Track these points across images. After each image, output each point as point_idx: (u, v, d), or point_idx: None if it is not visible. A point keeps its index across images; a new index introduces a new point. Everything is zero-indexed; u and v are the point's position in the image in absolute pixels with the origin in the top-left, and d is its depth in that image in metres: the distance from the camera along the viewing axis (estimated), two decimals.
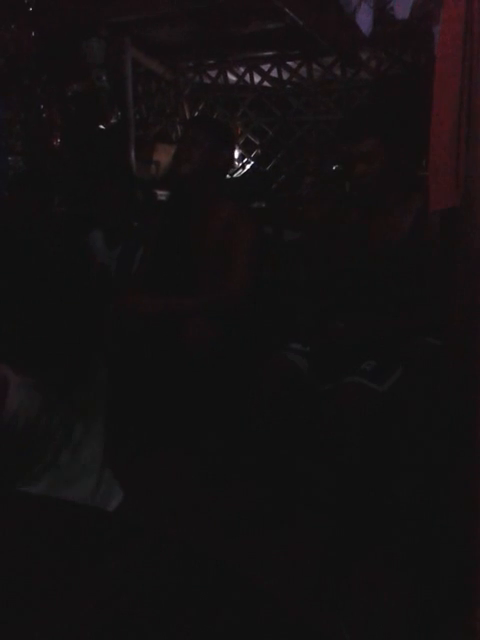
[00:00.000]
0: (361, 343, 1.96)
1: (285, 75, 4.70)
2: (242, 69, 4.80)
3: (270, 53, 4.61)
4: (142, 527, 1.03)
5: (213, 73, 4.89)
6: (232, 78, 4.86)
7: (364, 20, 2.92)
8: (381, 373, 1.88)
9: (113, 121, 4.12)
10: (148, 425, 2.34)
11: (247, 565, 1.43)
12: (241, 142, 4.90)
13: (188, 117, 4.93)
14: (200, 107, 4.99)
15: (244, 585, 0.91)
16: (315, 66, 4.55)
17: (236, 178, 4.74)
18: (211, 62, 4.82)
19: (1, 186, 3.80)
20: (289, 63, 4.64)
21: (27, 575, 1.06)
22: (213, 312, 2.25)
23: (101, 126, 4.08)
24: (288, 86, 4.77)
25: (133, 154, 4.15)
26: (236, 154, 4.70)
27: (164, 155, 4.58)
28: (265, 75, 4.74)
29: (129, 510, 1.64)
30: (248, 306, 2.33)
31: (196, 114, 4.93)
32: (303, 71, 4.60)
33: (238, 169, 4.89)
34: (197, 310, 2.26)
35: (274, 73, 4.72)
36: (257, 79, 4.80)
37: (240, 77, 4.82)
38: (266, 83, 4.81)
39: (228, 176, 4.77)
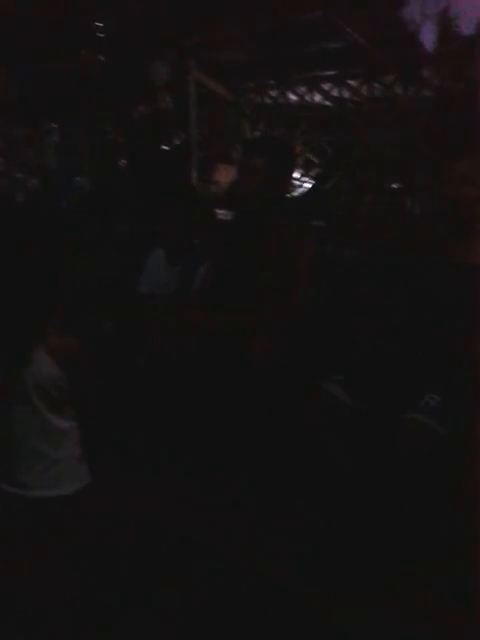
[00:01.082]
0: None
1: (346, 94, 4.69)
2: (303, 89, 4.83)
3: (331, 72, 4.63)
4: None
5: (274, 93, 4.94)
6: (293, 98, 4.89)
7: (428, 37, 2.90)
8: (445, 411, 1.76)
9: (176, 142, 4.21)
10: (207, 440, 2.34)
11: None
12: (301, 161, 4.90)
13: (249, 137, 4.97)
14: (261, 127, 5.03)
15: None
16: (376, 85, 4.53)
17: (295, 197, 4.74)
18: (272, 82, 4.87)
19: (68, 206, 3.94)
20: (350, 82, 4.63)
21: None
22: (274, 329, 2.25)
23: (164, 147, 4.17)
24: (349, 105, 4.76)
25: (195, 174, 4.22)
26: (295, 173, 4.70)
27: (225, 175, 4.64)
28: (326, 94, 4.74)
29: (187, 526, 1.65)
30: (307, 324, 2.32)
31: (256, 134, 4.97)
32: (364, 90, 4.59)
33: (297, 188, 4.89)
34: (259, 327, 2.27)
35: (335, 92, 4.72)
36: (318, 98, 4.81)
37: (301, 97, 4.84)
38: (327, 102, 4.81)
39: (287, 195, 4.79)
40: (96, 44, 3.93)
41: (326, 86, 4.74)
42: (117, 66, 4.01)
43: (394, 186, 4.33)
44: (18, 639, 1.17)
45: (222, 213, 4.02)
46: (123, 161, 4.13)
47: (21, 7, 3.42)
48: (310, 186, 4.90)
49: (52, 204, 3.97)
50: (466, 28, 3.54)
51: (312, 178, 4.92)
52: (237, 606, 1.43)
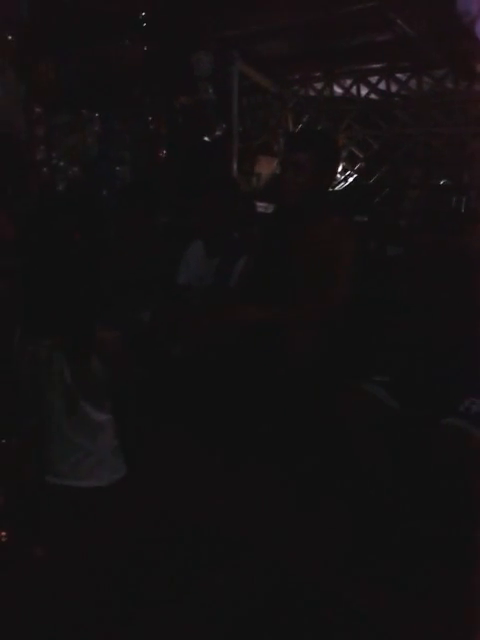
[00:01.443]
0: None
1: (393, 87, 4.59)
2: (349, 82, 4.74)
3: (378, 65, 4.53)
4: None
5: (319, 86, 4.86)
6: (338, 91, 4.80)
7: None
8: None
9: (217, 133, 4.16)
10: (242, 435, 2.30)
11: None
12: (344, 155, 4.82)
13: (292, 130, 4.91)
14: (304, 120, 4.96)
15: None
16: (425, 78, 4.41)
17: (338, 191, 4.66)
18: (317, 75, 4.79)
19: (108, 195, 3.93)
20: (398, 75, 4.53)
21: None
22: (312, 325, 2.20)
23: (206, 138, 4.13)
24: (396, 99, 4.65)
25: (235, 166, 4.18)
26: (339, 167, 4.63)
27: (266, 167, 4.58)
28: (372, 87, 4.65)
29: (230, 525, 1.61)
30: (347, 321, 2.25)
31: (299, 127, 4.90)
32: (412, 83, 4.48)
33: (340, 182, 4.81)
34: (297, 322, 2.21)
35: (382, 85, 4.62)
36: (364, 91, 4.72)
37: (346, 90, 4.76)
38: (373, 96, 4.71)
39: (330, 189, 4.71)
40: (140, 34, 3.90)
41: (373, 79, 4.65)
42: (161, 56, 3.98)
43: (441, 183, 4.22)
44: (48, 630, 1.14)
45: (262, 205, 3.97)
46: (164, 151, 4.10)
47: None
48: (353, 181, 4.82)
49: (93, 193, 3.96)
50: None
51: (356, 173, 4.84)
52: (274, 604, 1.39)
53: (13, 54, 3.27)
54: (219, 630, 1.26)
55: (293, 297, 2.37)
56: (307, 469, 2.19)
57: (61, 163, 3.87)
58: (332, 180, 2.54)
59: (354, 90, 4.74)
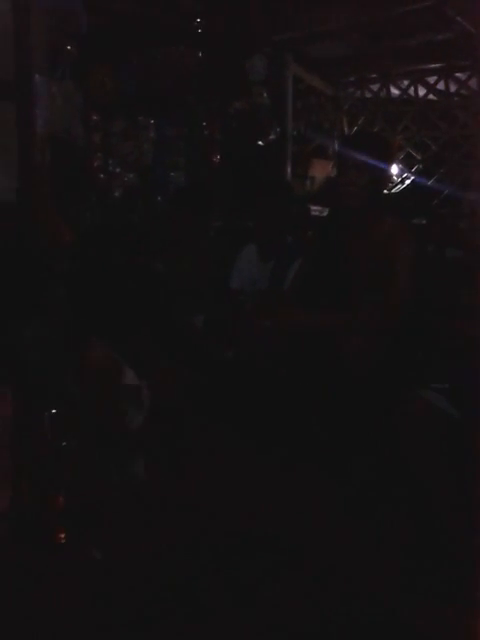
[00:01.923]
0: None
1: (452, 87, 4.47)
2: (406, 82, 4.64)
3: (437, 65, 4.42)
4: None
5: (375, 87, 4.78)
6: (395, 91, 4.71)
7: None
8: None
9: (271, 137, 4.14)
10: (294, 441, 2.27)
11: None
12: (402, 156, 4.72)
13: (347, 132, 4.85)
14: (359, 122, 4.89)
15: None
16: None
17: (395, 193, 4.57)
18: (373, 76, 4.72)
19: (163, 201, 3.96)
20: (457, 75, 4.41)
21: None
22: (369, 330, 2.14)
23: (260, 142, 4.11)
24: (455, 99, 4.53)
25: (289, 169, 4.14)
26: (396, 169, 4.54)
27: (320, 170, 4.53)
28: (431, 88, 4.54)
29: (285, 533, 1.57)
30: (405, 326, 2.19)
31: (354, 129, 4.83)
32: (473, 82, 4.35)
33: (397, 184, 4.71)
34: (353, 327, 2.16)
35: (440, 85, 4.51)
36: (422, 92, 4.62)
37: (403, 90, 4.66)
38: (431, 96, 4.60)
39: (386, 191, 4.62)
40: (195, 40, 3.92)
41: (431, 79, 4.54)
42: (215, 61, 4.00)
43: None
44: (106, 631, 1.13)
45: (316, 209, 3.92)
46: (218, 156, 4.11)
47: (121, 3, 3.46)
48: (411, 183, 4.72)
49: (148, 200, 4.00)
50: None
51: (413, 174, 4.73)
52: (332, 618, 1.35)
53: (72, 63, 3.34)
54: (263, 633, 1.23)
55: (348, 301, 2.33)
56: (363, 477, 2.13)
57: (117, 169, 3.93)
58: (387, 182, 2.49)
59: (411, 91, 4.64)
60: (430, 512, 1.81)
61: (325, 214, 3.94)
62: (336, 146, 4.77)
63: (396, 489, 1.97)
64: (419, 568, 1.70)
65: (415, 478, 1.84)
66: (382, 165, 2.34)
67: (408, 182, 4.74)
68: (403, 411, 1.87)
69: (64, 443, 1.07)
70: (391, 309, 2.21)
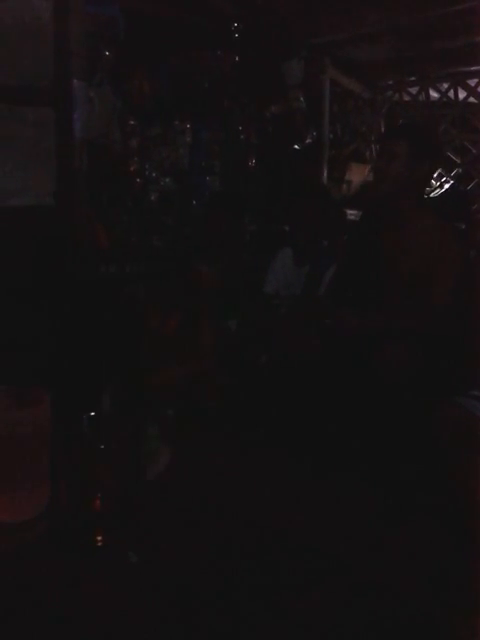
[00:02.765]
0: None
1: None
2: (445, 85, 4.57)
3: (478, 67, 4.34)
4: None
5: (414, 90, 4.72)
6: (434, 95, 4.64)
7: None
8: None
9: (308, 141, 4.11)
10: (327, 448, 2.23)
11: None
12: (441, 160, 4.65)
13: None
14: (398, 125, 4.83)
15: None
16: None
17: (434, 197, 4.50)
18: (412, 79, 4.66)
19: (198, 205, 3.96)
20: None
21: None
22: (411, 335, 2.09)
23: (296, 146, 4.09)
24: None
25: (326, 173, 4.11)
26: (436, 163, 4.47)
27: (357, 174, 4.48)
28: (471, 90, 4.46)
29: (322, 540, 1.54)
30: (448, 334, 2.12)
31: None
32: None
33: (436, 188, 4.64)
34: (395, 332, 2.11)
35: None
36: (462, 95, 4.54)
37: (443, 93, 4.59)
38: (472, 99, 4.52)
39: (425, 196, 4.55)
40: (232, 44, 3.92)
41: (472, 82, 4.46)
42: (252, 66, 3.99)
43: None
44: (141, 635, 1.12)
45: (352, 213, 3.88)
46: (253, 160, 4.10)
47: (158, 7, 3.48)
48: (450, 187, 4.64)
49: (184, 204, 4.01)
50: None
51: (452, 179, 4.65)
52: (374, 629, 1.32)
53: (110, 69, 3.37)
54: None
55: (387, 305, 2.27)
56: (399, 485, 2.09)
57: (153, 174, 3.94)
58: (428, 177, 2.42)
59: (451, 93, 4.57)
60: (467, 520, 1.76)
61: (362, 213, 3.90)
62: (373, 150, 4.73)
63: (433, 497, 1.93)
64: (458, 577, 1.65)
65: (451, 485, 1.80)
66: (421, 155, 2.28)
67: (447, 186, 4.66)
68: (439, 418, 1.83)
69: (102, 445, 1.07)
70: (434, 313, 2.14)
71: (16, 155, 2.61)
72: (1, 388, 1.19)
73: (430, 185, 4.42)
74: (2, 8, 2.53)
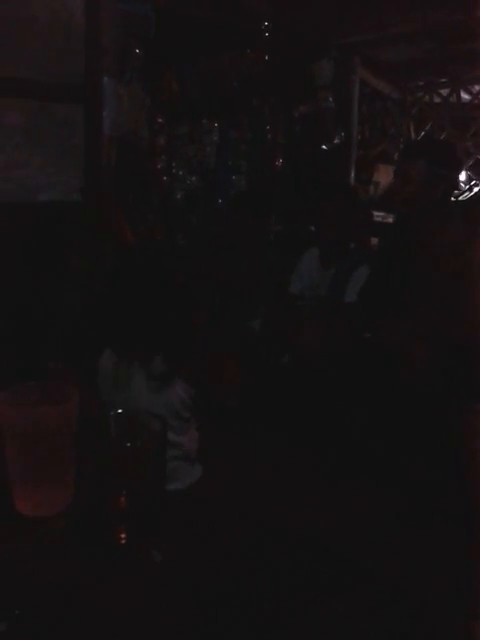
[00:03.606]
0: None
1: None
2: (477, 87, 4.51)
3: None
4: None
5: (444, 91, 4.66)
6: (465, 97, 4.58)
7: None
8: None
9: (336, 141, 4.09)
10: (348, 450, 2.22)
11: None
12: (470, 163, 4.58)
13: (413, 137, 4.74)
14: (427, 127, 4.77)
15: None
16: None
17: (462, 201, 4.44)
18: (443, 80, 4.60)
19: (225, 204, 3.96)
20: None
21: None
22: (441, 341, 2.06)
23: (324, 146, 4.07)
24: None
25: (353, 174, 4.08)
26: (463, 176, 4.41)
27: (384, 176, 4.44)
28: None
29: (343, 546, 1.53)
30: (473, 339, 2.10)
31: (422, 135, 4.72)
32: None
33: (465, 192, 4.58)
34: (421, 338, 2.09)
35: None
36: None
37: (474, 95, 4.53)
38: None
39: (453, 199, 4.50)
40: (262, 43, 3.91)
41: None
42: (281, 65, 3.98)
43: None
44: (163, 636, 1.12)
45: (379, 215, 3.85)
46: (280, 160, 4.09)
47: (189, 6, 3.48)
48: (478, 190, 4.58)
49: (209, 202, 4.02)
50: None
51: None
52: (381, 627, 1.30)
53: (140, 66, 3.38)
54: None
55: (419, 310, 2.24)
56: (421, 490, 2.07)
57: (180, 172, 3.95)
58: (453, 185, 2.41)
59: None
60: None
61: (388, 220, 3.86)
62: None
63: (453, 502, 1.90)
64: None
65: (471, 489, 1.78)
66: (440, 171, 2.26)
67: (477, 189, 4.60)
68: (460, 423, 1.81)
69: (128, 444, 1.07)
70: (466, 319, 2.11)
71: (45, 151, 2.62)
72: (31, 384, 1.19)
73: (459, 188, 4.36)
74: (36, 5, 2.55)
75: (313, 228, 3.00)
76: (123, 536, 1.13)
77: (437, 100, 4.72)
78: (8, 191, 2.49)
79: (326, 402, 2.36)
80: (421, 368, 2.00)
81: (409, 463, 2.12)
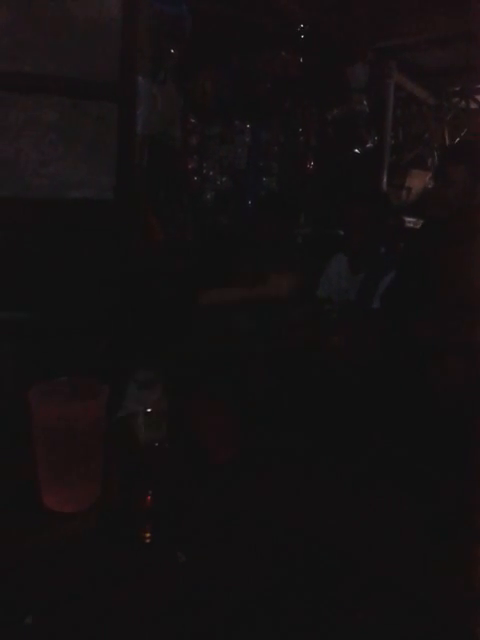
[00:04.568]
0: None
1: None
2: None
3: None
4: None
5: None
6: None
7: None
8: None
9: (369, 145, 4.06)
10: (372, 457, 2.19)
11: None
12: None
13: (448, 143, 4.69)
14: (462, 134, 4.72)
15: None
16: None
17: None
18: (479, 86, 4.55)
19: (253, 205, 3.95)
20: None
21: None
22: (465, 351, 2.03)
23: (356, 150, 4.04)
24: None
25: (385, 179, 4.05)
26: None
27: (417, 181, 4.40)
28: None
29: (365, 556, 1.51)
30: None
31: (456, 141, 4.67)
32: None
33: None
34: (446, 347, 2.06)
35: None
36: None
37: None
38: None
39: None
40: (298, 46, 3.90)
41: None
42: (317, 68, 3.96)
43: None
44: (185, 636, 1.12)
45: (411, 221, 3.81)
46: (311, 163, 4.06)
47: (224, 7, 3.48)
48: None
49: (239, 203, 4.01)
50: None
51: None
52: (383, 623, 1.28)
53: (174, 66, 3.39)
54: None
55: (443, 319, 2.21)
56: (445, 500, 2.03)
57: (211, 172, 3.95)
58: None
59: None
60: None
61: (422, 226, 3.82)
62: (435, 157, 4.63)
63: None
64: None
65: None
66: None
67: None
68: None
69: (155, 443, 1.06)
70: None
71: (78, 148, 2.63)
72: (61, 380, 1.19)
73: None
74: (72, 3, 2.57)
75: (341, 232, 2.97)
76: (148, 535, 1.13)
77: (473, 106, 4.67)
78: (41, 187, 2.50)
79: (352, 409, 2.33)
80: (454, 377, 1.97)
81: (433, 472, 2.09)
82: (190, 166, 3.76)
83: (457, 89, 4.64)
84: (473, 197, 2.24)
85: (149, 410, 1.12)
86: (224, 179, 3.96)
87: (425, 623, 1.35)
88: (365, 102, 4.02)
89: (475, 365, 1.99)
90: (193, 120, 3.74)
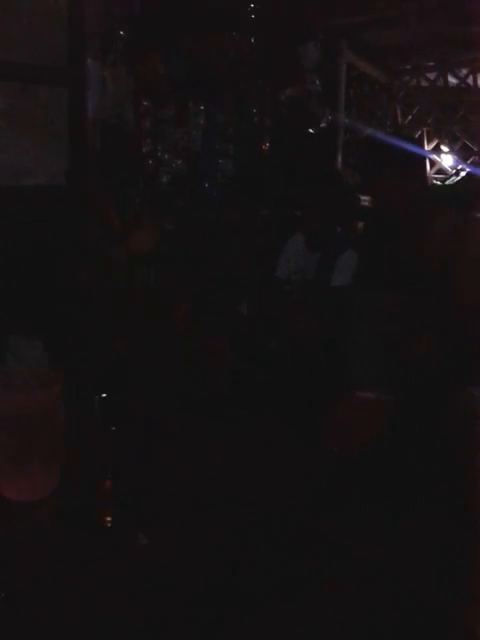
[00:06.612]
0: None
1: None
2: (465, 71, 4.50)
3: None
4: None
5: (432, 75, 4.64)
6: (452, 80, 4.57)
7: None
8: None
9: (322, 125, 4.06)
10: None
11: None
12: (457, 147, 4.58)
13: (400, 121, 4.73)
14: (414, 111, 4.76)
15: None
16: None
17: (449, 185, 4.44)
18: (431, 64, 4.58)
19: (211, 188, 3.94)
20: None
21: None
22: (437, 329, 2.06)
23: (311, 130, 4.05)
24: None
25: (340, 158, 4.07)
26: (451, 160, 4.41)
27: None
28: None
29: (336, 531, 1.53)
30: (474, 326, 2.09)
31: (408, 118, 4.71)
32: None
33: (452, 176, 4.58)
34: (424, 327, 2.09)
35: None
36: None
37: (462, 79, 4.52)
38: None
39: (440, 183, 4.50)
40: (248, 25, 3.87)
41: None
42: (268, 48, 3.94)
43: None
44: (149, 619, 1.13)
45: (366, 199, 3.84)
46: (267, 144, 4.06)
47: None
48: (466, 175, 4.58)
49: (196, 186, 3.99)
50: None
51: (469, 166, 4.59)
52: (389, 624, 1.31)
53: (124, 49, 3.34)
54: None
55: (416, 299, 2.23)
56: (415, 478, 2.07)
57: (166, 156, 3.91)
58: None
59: (470, 79, 4.50)
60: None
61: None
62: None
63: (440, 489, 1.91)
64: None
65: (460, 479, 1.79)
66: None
67: (463, 174, 4.60)
68: (451, 410, 1.82)
69: (113, 427, 1.06)
70: (460, 307, 2.11)
71: (29, 134, 2.59)
72: (18, 369, 1.19)
73: (446, 173, 4.37)
74: None
75: (298, 213, 2.99)
76: (109, 519, 1.14)
77: (424, 84, 4.71)
78: None
79: (317, 386, 2.36)
80: (426, 353, 2.00)
81: (405, 449, 2.12)
82: (144, 149, 3.71)
83: (408, 67, 4.67)
84: (409, 192, 2.26)
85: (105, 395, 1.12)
86: (179, 162, 3.93)
87: (391, 589, 1.39)
88: (317, 82, 4.02)
89: (445, 342, 2.03)
90: (146, 103, 3.69)
